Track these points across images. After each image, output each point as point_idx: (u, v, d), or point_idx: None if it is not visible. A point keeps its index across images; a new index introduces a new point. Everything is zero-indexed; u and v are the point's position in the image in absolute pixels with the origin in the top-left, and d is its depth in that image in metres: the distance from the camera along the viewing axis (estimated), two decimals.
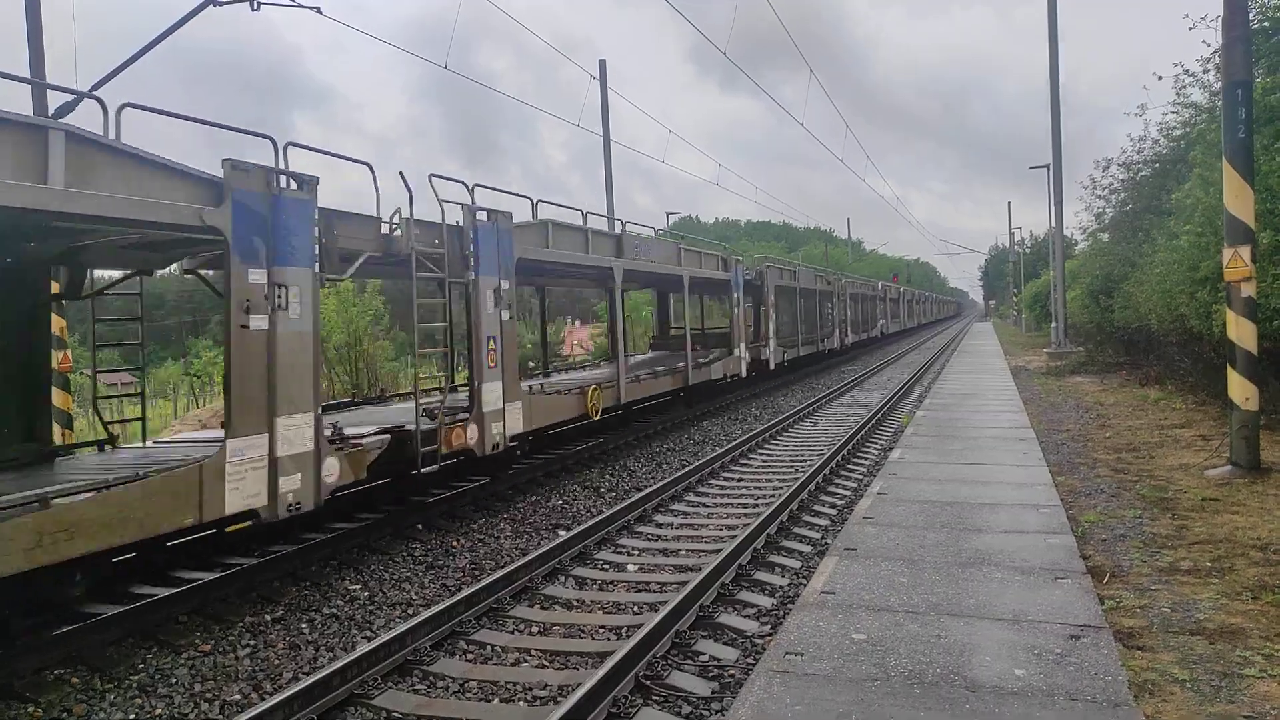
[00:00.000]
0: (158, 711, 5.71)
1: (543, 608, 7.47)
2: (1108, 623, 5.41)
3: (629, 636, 6.30)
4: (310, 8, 11.47)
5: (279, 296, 7.67)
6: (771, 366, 25.66)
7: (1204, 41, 20.49)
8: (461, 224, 10.59)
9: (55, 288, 8.98)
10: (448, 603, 6.96)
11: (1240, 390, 9.83)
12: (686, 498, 11.48)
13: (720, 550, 8.36)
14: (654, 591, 7.77)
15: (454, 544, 9.55)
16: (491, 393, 10.79)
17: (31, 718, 5.65)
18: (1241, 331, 9.86)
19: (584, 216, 14.81)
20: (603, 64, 28.50)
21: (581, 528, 9.34)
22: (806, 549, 8.89)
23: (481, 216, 10.89)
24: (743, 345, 22.32)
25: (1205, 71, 18.15)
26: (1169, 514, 8.46)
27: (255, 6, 11.55)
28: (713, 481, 12.51)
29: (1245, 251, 9.78)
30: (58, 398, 12.68)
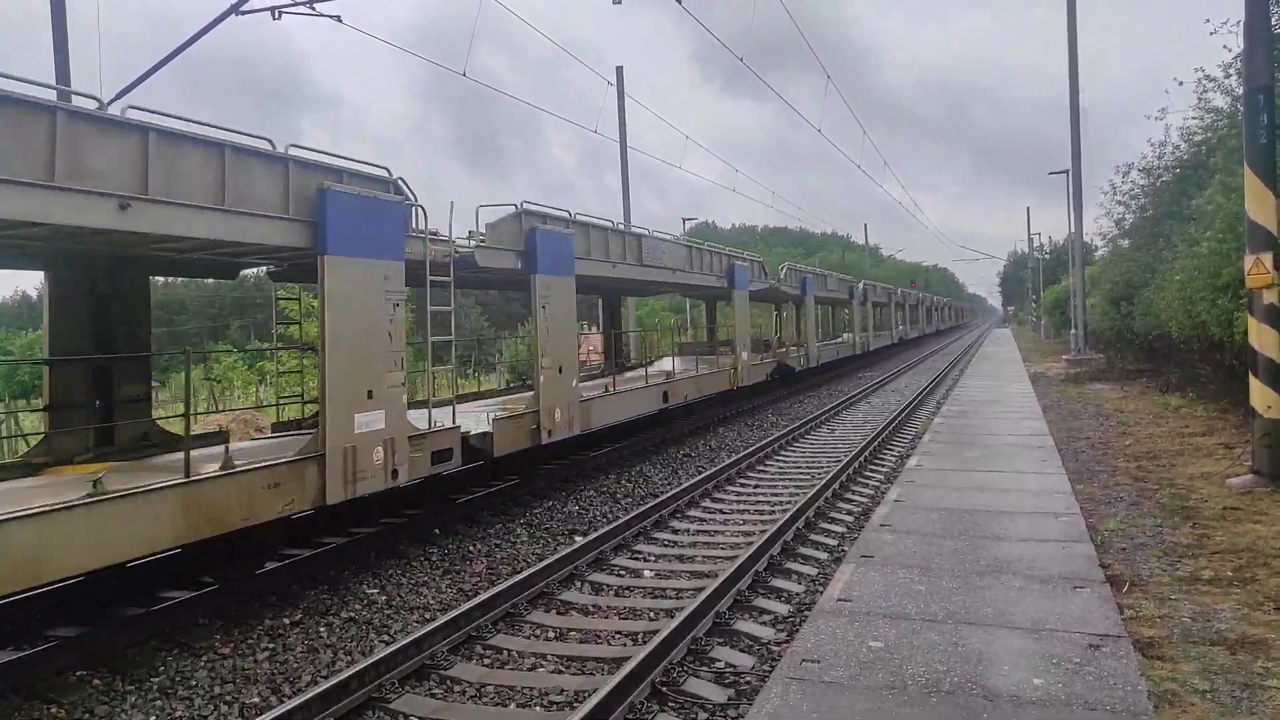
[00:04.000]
0: (178, 713, 5.77)
1: (559, 613, 7.48)
2: (1127, 632, 5.37)
3: (645, 643, 6.31)
4: (332, 16, 11.59)
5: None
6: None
7: (1225, 46, 20.33)
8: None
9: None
10: (465, 607, 7.00)
11: (1262, 398, 9.74)
12: (703, 504, 11.48)
13: (736, 557, 8.35)
14: (670, 598, 7.78)
15: (471, 549, 9.59)
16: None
17: (55, 718, 5.72)
18: (1263, 338, 9.76)
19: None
20: (620, 70, 28.56)
21: (598, 533, 9.36)
22: (823, 556, 8.87)
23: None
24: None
25: (1227, 76, 18.01)
26: (1190, 523, 8.39)
27: (277, 15, 11.68)
28: (729, 488, 12.50)
29: (1267, 258, 9.69)
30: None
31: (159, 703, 5.92)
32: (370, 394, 8.33)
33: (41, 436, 8.64)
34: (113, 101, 11.14)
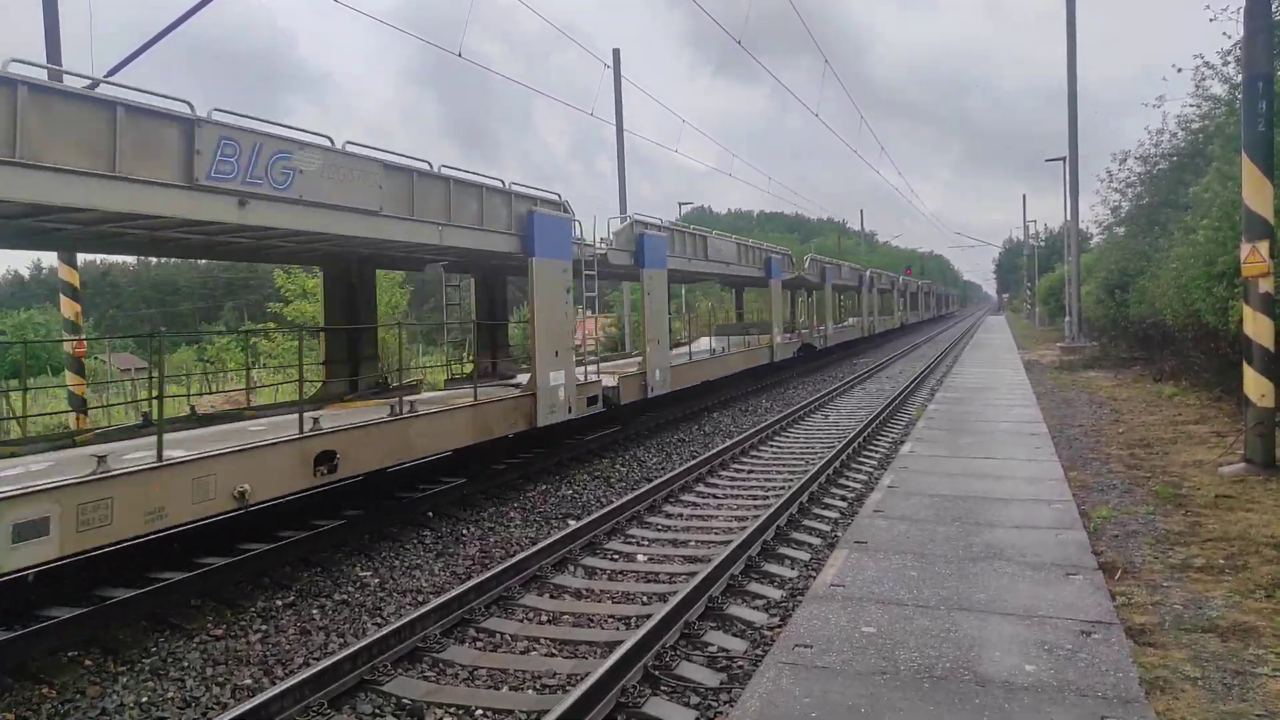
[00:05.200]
0: (170, 694, 5.75)
1: (552, 596, 7.49)
2: (1119, 619, 5.38)
3: (638, 626, 6.32)
4: None
5: None
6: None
7: (1224, 34, 20.25)
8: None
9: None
10: (458, 590, 6.99)
11: (1256, 387, 9.75)
12: (697, 488, 11.48)
13: (730, 541, 8.36)
14: (663, 582, 7.78)
15: (464, 532, 9.58)
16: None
17: (45, 699, 5.70)
18: (1258, 327, 9.77)
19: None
20: (616, 53, 28.36)
21: (591, 517, 9.36)
22: (816, 541, 8.88)
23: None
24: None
25: (1225, 64, 17.95)
26: (1182, 510, 8.41)
27: None
28: (723, 473, 12.50)
29: (1263, 247, 9.68)
30: (71, 382, 12.77)
31: (150, 684, 5.91)
32: (557, 354, 12.14)
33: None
34: (104, 78, 11.02)
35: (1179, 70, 21.69)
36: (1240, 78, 11.31)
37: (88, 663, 6.19)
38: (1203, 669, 4.87)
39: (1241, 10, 10.09)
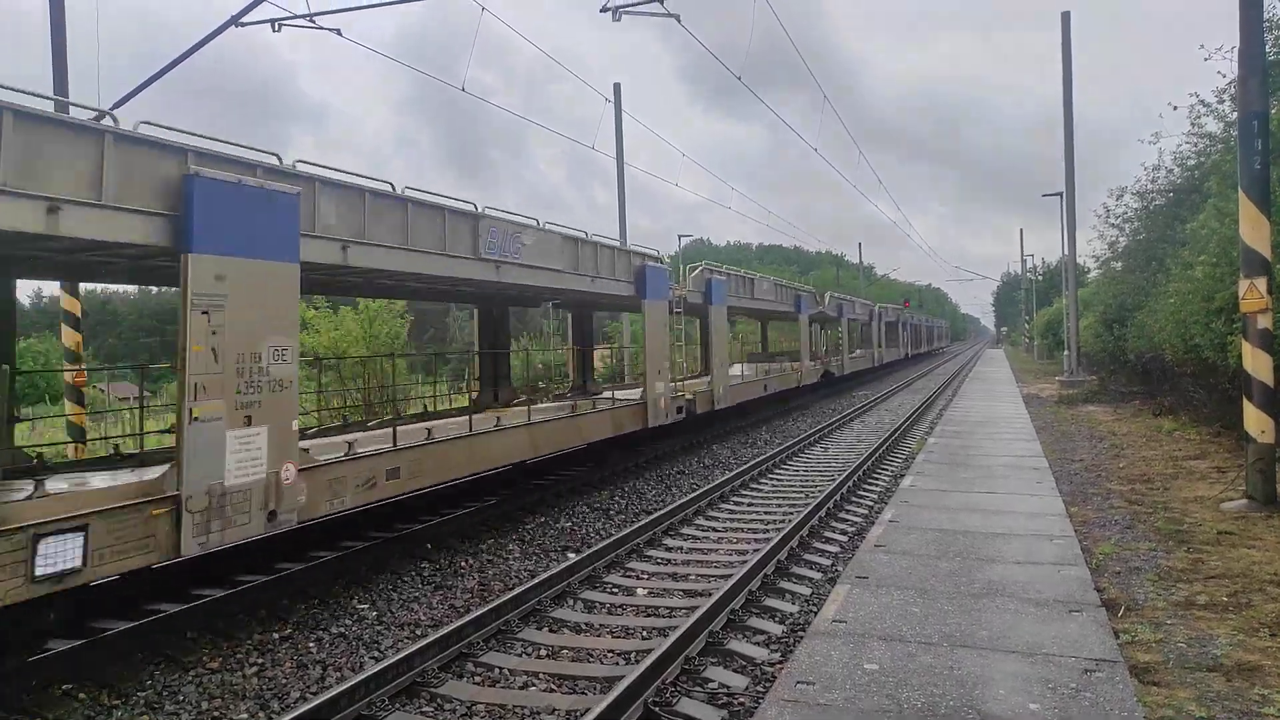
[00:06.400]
0: None
1: (551, 630, 7.42)
2: (1123, 657, 5.35)
3: (638, 662, 6.26)
4: (331, 29, 11.62)
5: None
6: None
7: (1219, 73, 20.53)
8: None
9: None
10: (456, 624, 6.94)
11: (1256, 423, 9.75)
12: (696, 521, 11.43)
13: (730, 576, 8.30)
14: (663, 616, 7.73)
15: (463, 564, 9.52)
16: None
17: None
18: (1258, 363, 9.79)
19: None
20: (618, 88, 28.64)
21: (590, 550, 9.31)
22: (817, 576, 8.82)
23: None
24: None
25: (1220, 102, 18.17)
26: (1184, 547, 8.37)
27: (276, 28, 11.69)
28: (723, 505, 12.45)
29: (1261, 283, 9.73)
30: (70, 411, 12.77)
31: (145, 718, 5.84)
32: (660, 371, 15.39)
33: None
34: (112, 109, 11.12)
35: (1175, 108, 21.97)
36: (1235, 115, 11.44)
37: (82, 696, 6.12)
38: (1208, 709, 4.82)
39: (1236, 50, 10.23)
